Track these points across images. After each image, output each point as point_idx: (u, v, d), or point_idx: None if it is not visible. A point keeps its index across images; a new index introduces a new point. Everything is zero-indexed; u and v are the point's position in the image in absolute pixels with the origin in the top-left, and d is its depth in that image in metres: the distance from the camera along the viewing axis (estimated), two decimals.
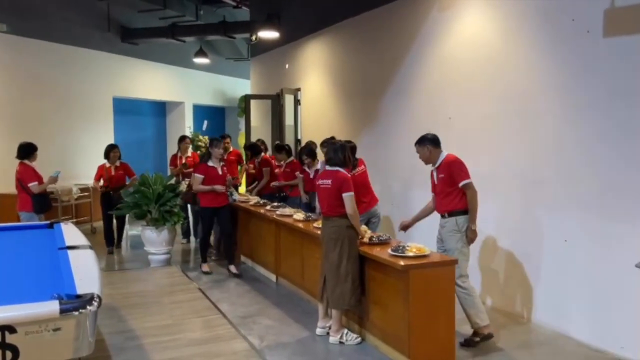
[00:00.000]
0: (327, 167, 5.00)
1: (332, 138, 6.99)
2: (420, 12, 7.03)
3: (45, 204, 7.26)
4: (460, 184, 4.82)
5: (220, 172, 7.26)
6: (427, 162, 5.04)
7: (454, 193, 4.86)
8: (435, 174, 5.00)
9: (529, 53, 5.46)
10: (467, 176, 4.84)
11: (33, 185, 7.04)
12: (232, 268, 7.28)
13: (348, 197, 4.75)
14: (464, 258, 4.86)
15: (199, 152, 9.48)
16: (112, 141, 12.34)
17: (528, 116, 5.47)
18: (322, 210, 5.06)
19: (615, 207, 4.61)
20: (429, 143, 4.95)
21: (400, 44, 7.49)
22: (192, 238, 9.36)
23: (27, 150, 7.21)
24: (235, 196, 8.11)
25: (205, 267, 7.40)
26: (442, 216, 4.95)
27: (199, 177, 7.20)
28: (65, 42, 11.07)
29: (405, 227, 5.41)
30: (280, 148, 8.38)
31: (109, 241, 8.83)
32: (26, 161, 7.17)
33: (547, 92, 5.27)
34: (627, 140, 4.53)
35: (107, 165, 8.69)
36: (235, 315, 5.62)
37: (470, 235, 4.85)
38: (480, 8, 6.08)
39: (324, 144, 6.83)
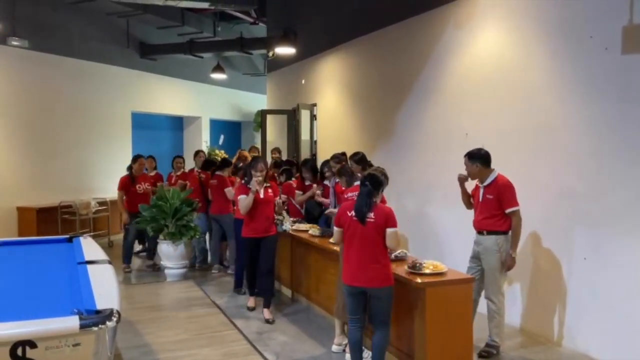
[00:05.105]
0: (357, 183, 4.98)
1: (343, 154, 6.98)
2: (436, 29, 7.04)
3: None
4: (507, 211, 4.76)
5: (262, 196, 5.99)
6: (473, 178, 5.01)
7: (497, 216, 4.80)
8: (481, 191, 4.93)
9: (547, 69, 5.43)
10: (516, 203, 4.77)
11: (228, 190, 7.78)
12: (266, 313, 5.96)
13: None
14: (504, 277, 4.84)
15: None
16: (130, 155, 12.45)
17: (546, 132, 5.43)
18: None
19: None
20: (479, 161, 4.88)
21: (415, 61, 7.50)
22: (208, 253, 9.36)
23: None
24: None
25: (250, 302, 6.34)
26: (480, 233, 4.89)
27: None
28: (85, 58, 11.26)
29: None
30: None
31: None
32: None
33: (564, 109, 5.23)
34: None
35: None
36: (251, 331, 5.61)
37: (509, 263, 4.81)
38: (497, 25, 6.08)
39: (334, 158, 6.83)
